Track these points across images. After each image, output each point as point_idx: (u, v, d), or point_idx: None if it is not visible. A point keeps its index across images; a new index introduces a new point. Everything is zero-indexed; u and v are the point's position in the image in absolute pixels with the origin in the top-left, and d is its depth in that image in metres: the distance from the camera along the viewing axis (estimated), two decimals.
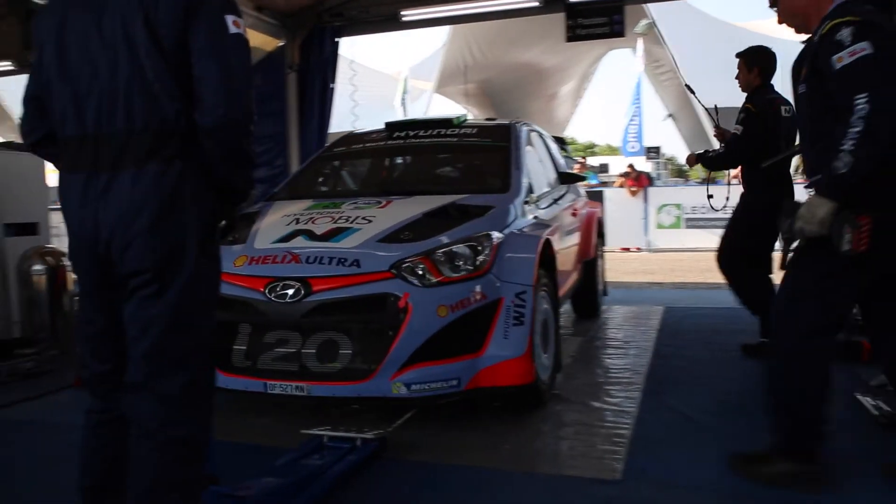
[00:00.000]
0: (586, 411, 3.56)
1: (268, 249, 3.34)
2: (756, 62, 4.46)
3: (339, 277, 3.13)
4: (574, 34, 7.39)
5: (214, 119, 1.77)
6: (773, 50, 4.54)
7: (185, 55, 1.78)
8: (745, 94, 4.58)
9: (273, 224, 3.64)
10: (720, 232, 4.69)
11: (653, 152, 17.36)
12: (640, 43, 14.82)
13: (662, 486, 2.67)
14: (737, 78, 4.58)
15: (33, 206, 5.73)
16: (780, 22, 2.61)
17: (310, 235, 3.39)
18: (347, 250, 3.24)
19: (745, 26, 16.13)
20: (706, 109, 5.05)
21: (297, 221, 3.57)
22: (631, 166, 14.03)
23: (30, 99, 2.00)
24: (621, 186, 13.51)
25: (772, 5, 2.63)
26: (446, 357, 3.12)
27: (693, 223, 12.20)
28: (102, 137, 1.80)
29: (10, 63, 9.14)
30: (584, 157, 16.18)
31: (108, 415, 1.99)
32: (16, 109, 16.66)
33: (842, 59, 2.24)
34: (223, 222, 2.03)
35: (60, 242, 9.64)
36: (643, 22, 14.18)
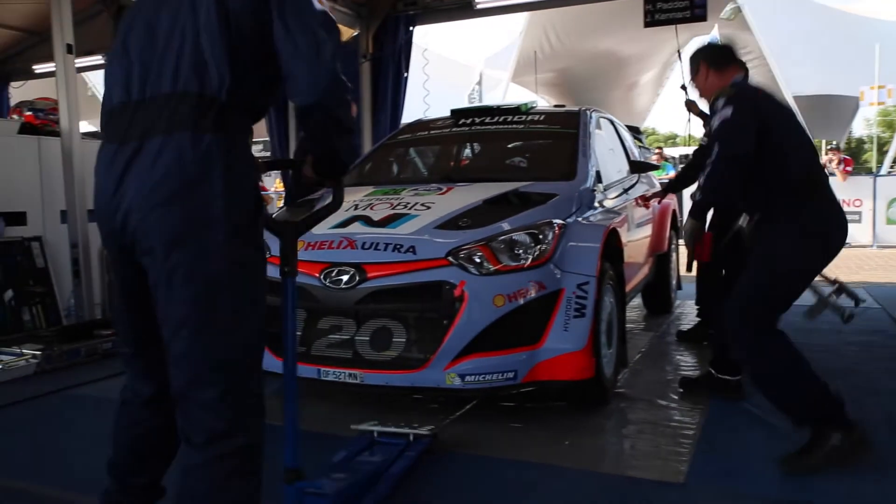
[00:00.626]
0: (652, 409, 3.41)
1: (324, 235, 3.31)
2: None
3: (394, 264, 3.07)
4: (652, 19, 7.16)
5: (311, 94, 1.68)
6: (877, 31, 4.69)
7: (249, 29, 1.69)
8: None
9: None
10: None
11: None
12: (715, 29, 14.20)
13: (727, 493, 2.51)
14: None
15: None
16: (700, 96, 3.37)
17: (367, 221, 3.35)
18: (403, 236, 3.18)
19: (842, 8, 15.23)
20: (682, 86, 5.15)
21: (356, 207, 3.54)
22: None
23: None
24: None
25: (693, 79, 3.34)
26: (503, 348, 3.02)
27: None
28: (143, 103, 1.67)
29: (102, 56, 9.58)
30: (659, 148, 15.64)
31: (136, 396, 1.92)
32: None
33: (714, 121, 2.93)
34: (329, 200, 2.03)
35: None
36: (730, 6, 13.58)
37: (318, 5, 1.72)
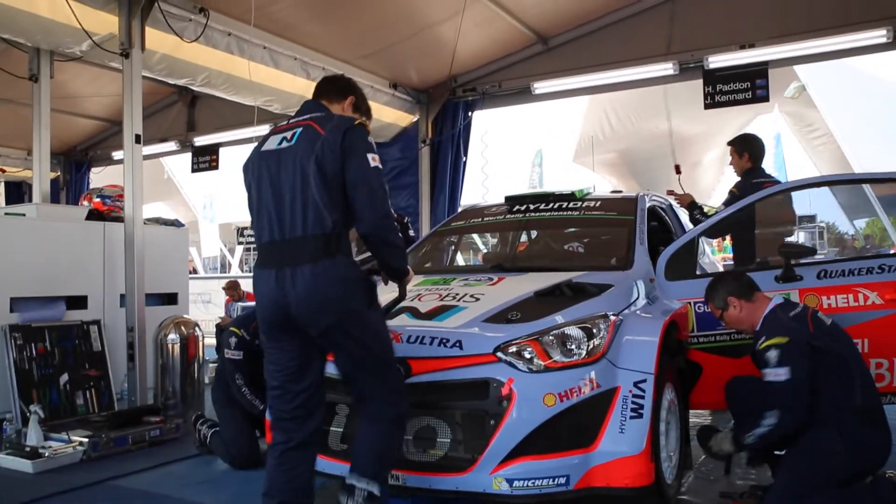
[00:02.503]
0: None
1: None
2: (745, 148, 4.97)
3: (440, 359, 2.96)
4: (713, 101, 7.05)
5: (368, 227, 2.60)
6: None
7: (339, 182, 2.56)
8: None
9: (380, 300, 3.55)
10: None
11: (806, 221, 16.13)
12: (776, 108, 13.95)
13: None
14: (731, 164, 5.07)
15: (175, 277, 6.09)
16: (739, 329, 3.40)
17: (414, 313, 3.26)
18: (450, 330, 3.07)
19: None
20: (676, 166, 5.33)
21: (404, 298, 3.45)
22: None
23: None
24: None
25: (719, 318, 3.40)
26: (554, 451, 2.84)
27: None
28: (286, 242, 2.59)
29: (175, 143, 10.03)
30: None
31: (290, 445, 2.64)
32: (184, 184, 18.12)
33: (767, 374, 3.05)
34: (397, 296, 2.95)
35: (196, 311, 10.13)
36: (794, 85, 13.36)
37: (372, 163, 2.58)
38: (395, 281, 2.86)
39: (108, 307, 5.38)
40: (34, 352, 4.69)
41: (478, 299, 3.32)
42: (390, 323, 3.23)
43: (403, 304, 3.37)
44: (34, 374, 4.67)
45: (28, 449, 4.05)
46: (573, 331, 3.01)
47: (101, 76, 8.14)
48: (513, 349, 2.94)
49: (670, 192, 5.08)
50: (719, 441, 3.26)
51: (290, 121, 2.78)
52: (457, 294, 3.41)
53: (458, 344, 2.99)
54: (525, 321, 3.07)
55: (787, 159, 17.32)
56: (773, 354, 3.02)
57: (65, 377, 4.79)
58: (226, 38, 6.07)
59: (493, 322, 3.11)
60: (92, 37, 5.07)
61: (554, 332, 3.00)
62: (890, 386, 3.46)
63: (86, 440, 4.18)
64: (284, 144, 2.66)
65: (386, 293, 3.21)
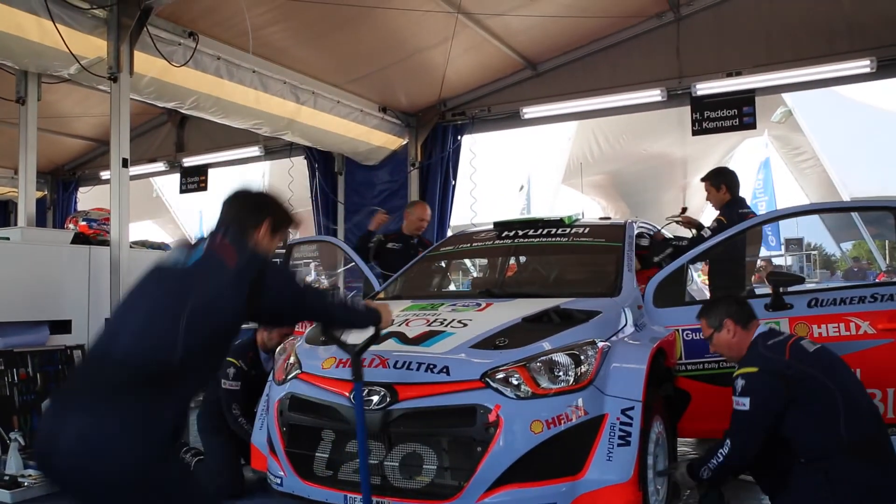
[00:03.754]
0: None
1: None
2: (721, 180, 5.03)
3: (427, 385, 2.94)
4: (700, 128, 7.12)
5: (331, 321, 2.57)
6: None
7: (220, 324, 2.07)
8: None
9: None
10: None
11: (794, 244, 16.28)
12: (765, 133, 14.13)
13: None
14: (708, 199, 5.11)
15: None
16: (727, 356, 3.32)
17: (401, 338, 3.25)
18: (437, 356, 3.05)
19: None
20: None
21: (392, 323, 3.43)
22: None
23: None
24: None
25: (706, 338, 3.33)
26: (541, 479, 2.82)
27: None
28: (105, 362, 1.98)
29: (163, 163, 10.02)
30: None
31: None
32: (174, 202, 18.03)
33: (734, 402, 3.05)
34: None
35: None
36: (780, 110, 13.53)
37: (294, 283, 2.24)
38: (373, 325, 2.70)
39: (93, 332, 5.31)
40: (16, 377, 4.61)
41: (466, 325, 3.31)
42: (377, 349, 3.22)
43: (391, 329, 3.36)
44: (15, 399, 4.58)
45: (7, 478, 3.96)
46: (561, 357, 3.01)
47: (89, 96, 8.13)
48: (500, 375, 2.93)
49: (684, 209, 5.25)
50: (682, 473, 3.21)
51: (203, 237, 2.24)
52: (444, 319, 3.40)
53: (445, 370, 2.97)
54: (513, 347, 3.07)
55: (775, 182, 17.50)
56: (739, 383, 3.02)
57: (46, 402, 4.71)
58: (215, 62, 6.09)
59: (480, 348, 3.10)
60: (80, 60, 5.06)
61: (541, 358, 3.00)
62: (885, 417, 3.37)
63: None
64: (180, 264, 2.15)
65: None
